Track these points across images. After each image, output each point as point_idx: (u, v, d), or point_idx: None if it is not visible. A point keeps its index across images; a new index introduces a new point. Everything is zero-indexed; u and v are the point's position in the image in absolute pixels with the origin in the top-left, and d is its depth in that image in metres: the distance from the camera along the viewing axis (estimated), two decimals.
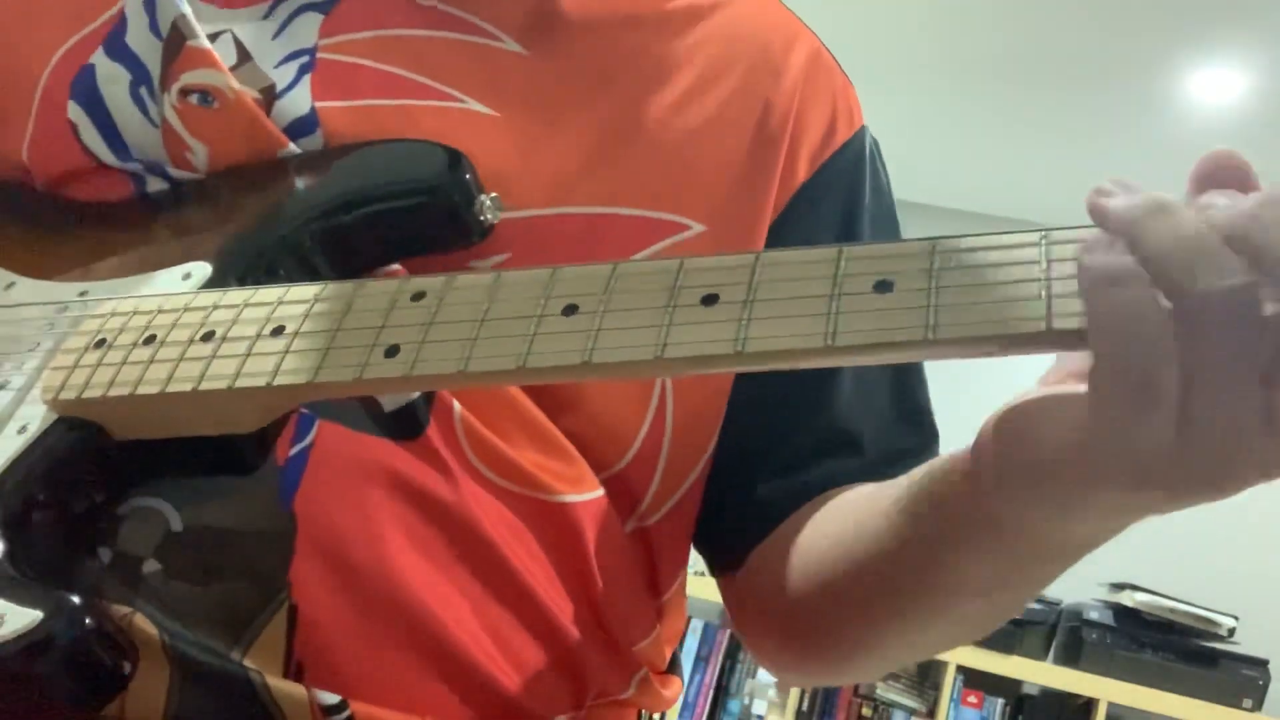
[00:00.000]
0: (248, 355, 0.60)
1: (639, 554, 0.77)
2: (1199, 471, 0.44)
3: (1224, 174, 0.46)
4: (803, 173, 0.82)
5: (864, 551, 0.66)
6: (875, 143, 0.90)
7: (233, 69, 0.74)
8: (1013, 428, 0.51)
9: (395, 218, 0.70)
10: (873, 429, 0.80)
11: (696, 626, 3.86)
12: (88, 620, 0.57)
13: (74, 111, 0.76)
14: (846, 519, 0.70)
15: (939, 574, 0.60)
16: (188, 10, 0.74)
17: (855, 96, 0.90)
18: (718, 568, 0.83)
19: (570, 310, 0.54)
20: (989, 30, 3.38)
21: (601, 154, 0.76)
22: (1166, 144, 3.71)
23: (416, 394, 0.68)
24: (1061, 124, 3.79)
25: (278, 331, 0.60)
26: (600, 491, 0.73)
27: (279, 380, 0.58)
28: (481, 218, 0.70)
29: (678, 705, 3.72)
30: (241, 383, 0.59)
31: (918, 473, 0.61)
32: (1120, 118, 3.67)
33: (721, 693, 3.87)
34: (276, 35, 0.77)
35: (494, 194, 0.70)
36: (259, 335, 0.61)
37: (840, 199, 0.84)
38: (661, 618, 0.81)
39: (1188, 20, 3.13)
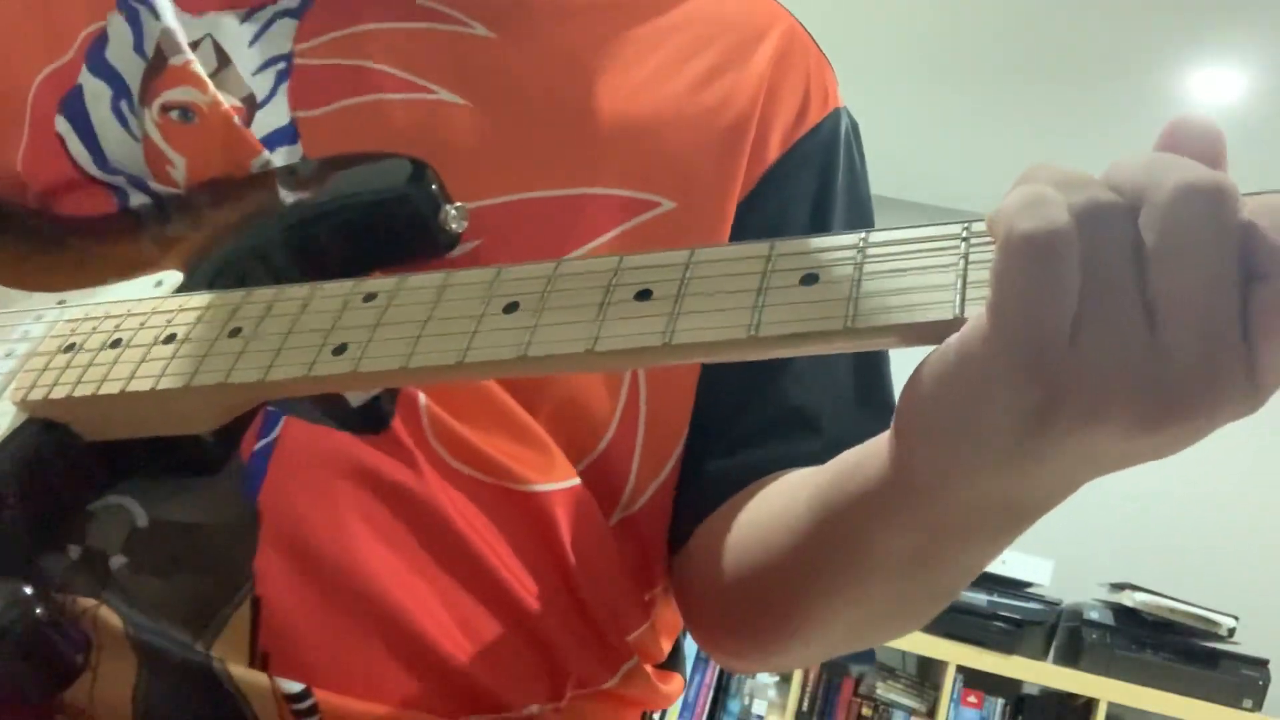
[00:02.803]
0: (206, 355, 0.62)
1: (626, 545, 0.78)
2: (1087, 381, 0.43)
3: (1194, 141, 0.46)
4: (774, 152, 0.83)
5: (789, 530, 0.65)
6: (853, 125, 0.91)
7: (212, 75, 0.76)
8: (915, 374, 0.49)
9: (361, 229, 0.72)
10: (830, 410, 0.80)
11: None
12: (39, 611, 0.60)
13: (61, 125, 0.79)
14: (777, 499, 0.70)
15: (859, 549, 0.59)
16: (173, 25, 0.76)
17: (832, 77, 0.90)
18: (670, 548, 0.82)
19: (511, 308, 0.56)
20: (988, 30, 3.38)
21: (571, 135, 0.78)
22: None
23: (377, 389, 0.69)
24: (1061, 123, 3.80)
25: (235, 332, 0.62)
26: (575, 480, 0.73)
27: (233, 378, 0.60)
28: (447, 227, 0.71)
29: (677, 705, 3.71)
30: (198, 381, 0.61)
31: (841, 457, 0.61)
32: (1120, 117, 3.67)
33: (721, 693, 3.86)
34: (253, 41, 0.79)
35: (459, 204, 0.72)
36: (218, 336, 0.62)
37: (811, 178, 0.85)
38: (655, 607, 0.81)
39: (1188, 19, 3.13)
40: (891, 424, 0.52)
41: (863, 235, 0.50)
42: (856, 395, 0.82)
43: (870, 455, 0.56)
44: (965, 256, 0.48)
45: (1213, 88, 3.44)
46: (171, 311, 0.66)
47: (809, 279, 0.50)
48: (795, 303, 0.49)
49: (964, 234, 0.49)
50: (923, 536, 0.55)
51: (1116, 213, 0.43)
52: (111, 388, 0.63)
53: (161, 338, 0.64)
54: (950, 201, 4.50)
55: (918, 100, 3.88)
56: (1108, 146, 3.84)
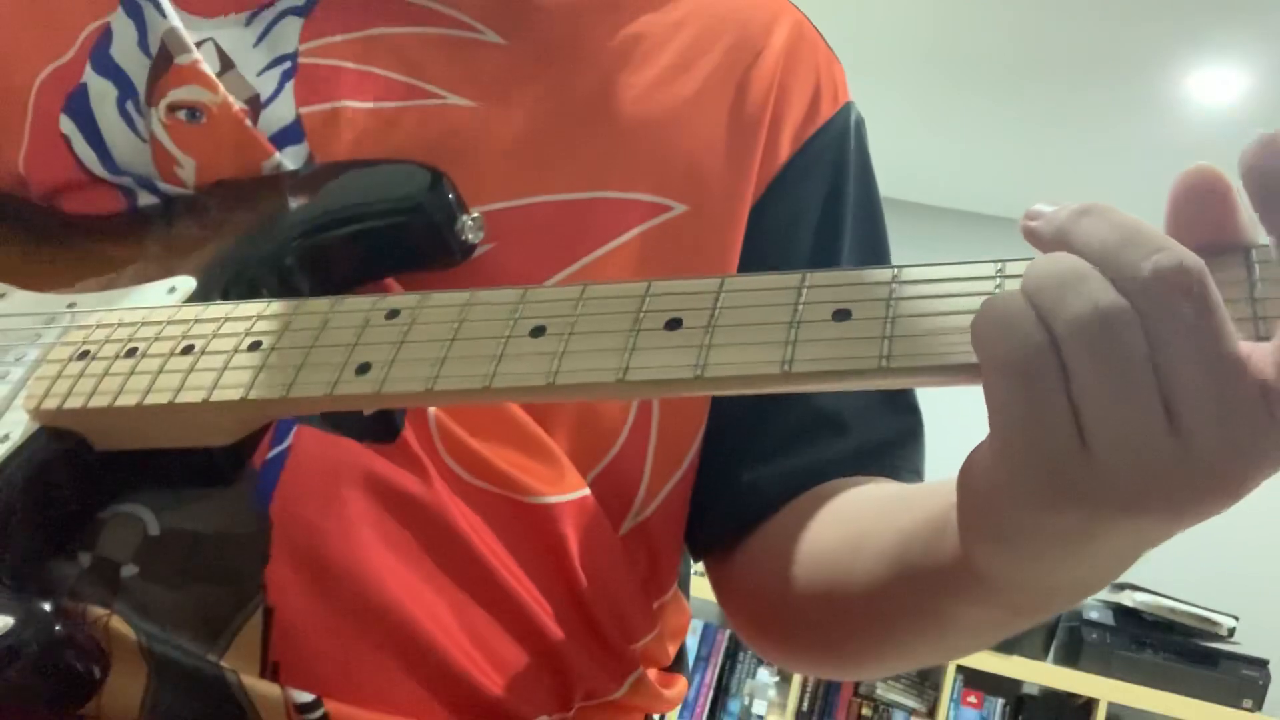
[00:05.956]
0: (224, 369, 0.61)
1: (637, 553, 0.78)
2: (1112, 489, 0.43)
3: (1202, 194, 0.46)
4: (785, 151, 0.83)
5: (861, 579, 0.65)
6: (860, 119, 0.90)
7: (216, 77, 0.75)
8: (962, 472, 0.50)
9: (376, 237, 0.71)
10: (854, 409, 0.80)
11: (696, 626, 3.83)
12: (57, 627, 0.59)
13: (65, 124, 0.78)
14: (847, 537, 0.70)
15: (933, 614, 0.60)
16: (178, 24, 0.75)
17: (841, 72, 0.90)
18: (704, 552, 0.83)
19: (538, 332, 0.55)
20: (989, 30, 3.37)
21: (581, 138, 0.77)
22: (1166, 143, 3.70)
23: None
24: (1061, 124, 3.78)
25: (255, 346, 0.62)
26: (585, 491, 0.73)
27: (253, 394, 0.59)
28: (463, 237, 0.71)
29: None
30: (217, 396, 0.60)
31: (913, 515, 0.61)
32: (1120, 117, 3.66)
33: (721, 693, 3.86)
34: (258, 43, 0.78)
35: (475, 214, 0.71)
36: (236, 349, 0.62)
37: (824, 177, 0.84)
38: (663, 614, 0.81)
39: (1188, 19, 3.12)
40: (956, 517, 0.52)
41: (895, 270, 0.50)
42: (880, 393, 0.82)
43: (942, 534, 0.55)
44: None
45: (1213, 88, 3.42)
46: (187, 322, 0.65)
47: (841, 314, 0.49)
48: (828, 339, 0.49)
49: (997, 274, 0.48)
50: (1002, 613, 0.56)
51: (1102, 318, 0.42)
52: (128, 400, 0.62)
53: (178, 349, 0.64)
54: (951, 202, 4.49)
55: (918, 100, 3.86)
56: (1108, 146, 3.83)
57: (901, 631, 0.65)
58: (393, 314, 0.60)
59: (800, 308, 0.50)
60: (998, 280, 0.48)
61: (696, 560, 0.85)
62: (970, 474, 0.49)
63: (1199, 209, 0.45)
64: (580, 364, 0.53)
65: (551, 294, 0.56)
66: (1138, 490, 0.42)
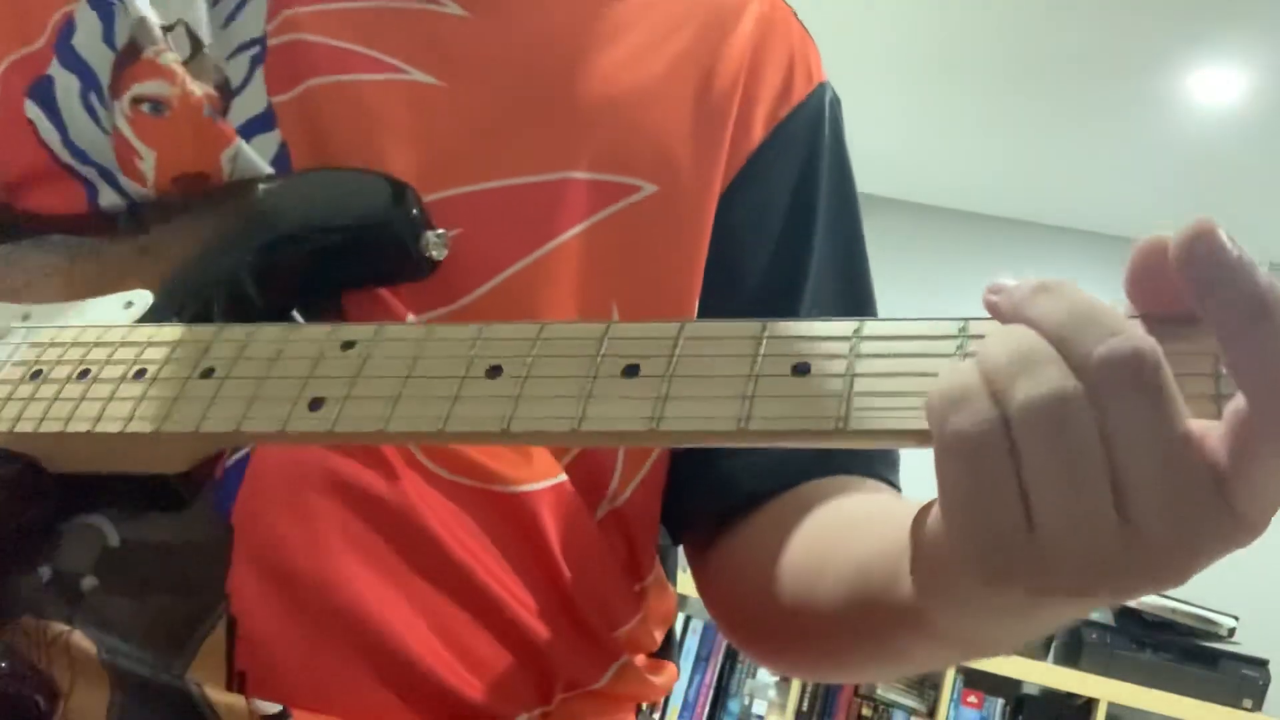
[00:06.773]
0: (176, 399, 0.60)
1: (614, 539, 0.77)
2: (1058, 573, 0.43)
3: (1156, 266, 0.44)
4: (758, 133, 0.82)
5: (823, 603, 0.65)
6: (836, 99, 0.89)
7: (186, 61, 0.74)
8: (913, 531, 0.50)
9: (338, 253, 0.70)
10: None
11: (696, 626, 3.84)
12: (3, 665, 0.59)
13: (31, 109, 0.76)
14: (811, 560, 0.69)
15: (888, 645, 0.61)
16: (147, 14, 0.74)
17: (816, 52, 0.89)
18: (681, 536, 0.83)
19: (494, 372, 0.54)
20: (989, 30, 3.36)
21: (550, 117, 0.76)
22: (1166, 143, 3.69)
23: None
24: (1061, 123, 3.77)
25: (207, 374, 0.60)
26: (561, 477, 0.72)
27: (204, 427, 0.58)
28: (427, 254, 0.69)
29: (678, 706, 3.73)
30: (168, 427, 0.59)
31: (871, 546, 0.60)
32: (1120, 117, 3.65)
33: (721, 693, 3.86)
34: (226, 24, 0.77)
35: (440, 231, 0.70)
36: (190, 378, 0.60)
37: (797, 161, 0.84)
38: (645, 599, 0.80)
39: (1188, 19, 3.11)
40: (909, 566, 0.52)
41: (856, 326, 0.49)
42: None
43: (896, 577, 0.55)
44: (961, 359, 0.46)
45: (1213, 88, 3.41)
46: (140, 344, 0.64)
47: (801, 369, 0.48)
48: (786, 395, 0.48)
49: (959, 334, 0.47)
50: (956, 650, 0.57)
51: (1055, 404, 0.42)
52: (79, 426, 0.61)
53: (130, 374, 0.62)
54: (950, 201, 4.48)
55: (917, 100, 3.85)
56: (1109, 146, 3.82)
57: (859, 654, 0.66)
58: (348, 345, 0.58)
59: (760, 360, 0.49)
60: (959, 340, 0.46)
61: (676, 544, 0.85)
62: (920, 537, 0.49)
63: (1155, 282, 0.44)
64: (536, 410, 0.52)
65: (509, 331, 0.55)
66: (1083, 575, 0.42)
